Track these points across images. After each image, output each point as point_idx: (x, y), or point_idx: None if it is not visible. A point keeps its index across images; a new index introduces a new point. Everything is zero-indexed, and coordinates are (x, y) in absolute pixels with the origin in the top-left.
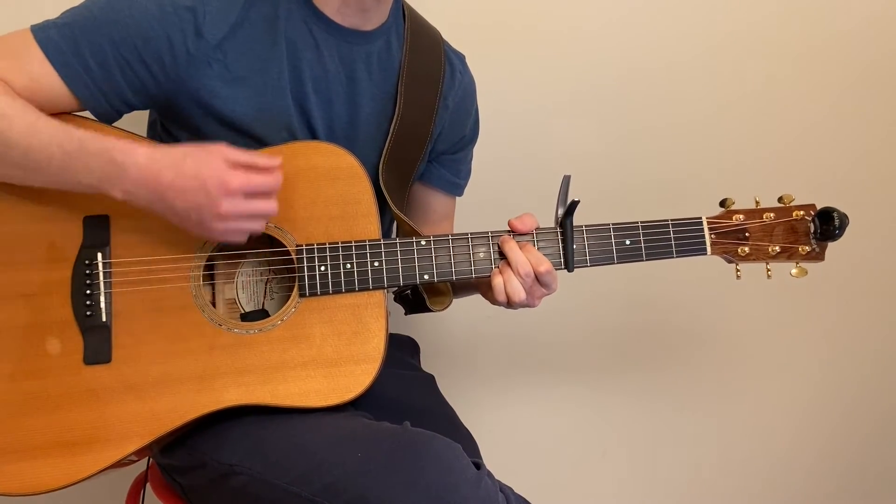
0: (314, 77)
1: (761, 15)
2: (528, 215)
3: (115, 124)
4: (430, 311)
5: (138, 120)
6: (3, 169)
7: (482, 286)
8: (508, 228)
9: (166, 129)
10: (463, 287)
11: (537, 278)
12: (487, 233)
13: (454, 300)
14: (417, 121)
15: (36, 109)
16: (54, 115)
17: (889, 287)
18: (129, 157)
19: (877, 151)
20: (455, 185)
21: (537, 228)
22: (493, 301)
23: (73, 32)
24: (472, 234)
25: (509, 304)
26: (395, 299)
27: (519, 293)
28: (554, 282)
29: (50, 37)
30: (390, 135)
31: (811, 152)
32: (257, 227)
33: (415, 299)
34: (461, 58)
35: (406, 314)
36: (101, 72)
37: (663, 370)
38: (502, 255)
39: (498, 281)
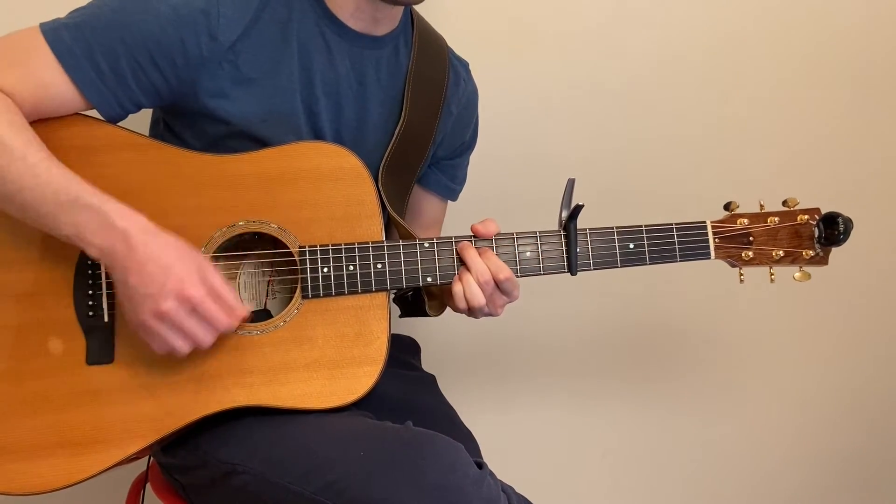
0: (325, 80)
1: (766, 17)
2: (490, 220)
3: (120, 124)
4: (426, 315)
5: (140, 119)
6: None
7: (446, 293)
8: (516, 231)
9: (169, 127)
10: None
11: (497, 286)
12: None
13: (432, 316)
14: (421, 126)
15: (41, 146)
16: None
17: (892, 291)
18: (123, 222)
19: (882, 156)
20: (451, 189)
21: (540, 231)
22: (455, 308)
23: (85, 35)
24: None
25: (470, 311)
26: (394, 300)
27: (478, 299)
28: (515, 289)
29: (61, 39)
30: (394, 139)
31: (816, 156)
32: (182, 346)
33: (414, 302)
34: (465, 65)
35: (401, 316)
36: (114, 76)
37: (664, 372)
38: (462, 262)
39: (458, 288)
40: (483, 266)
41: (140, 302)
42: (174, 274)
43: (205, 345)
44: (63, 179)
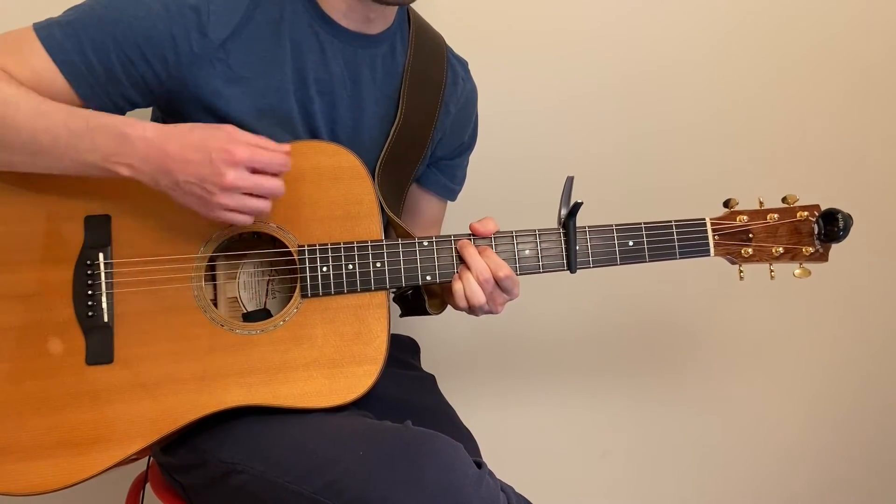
0: (318, 79)
1: (765, 15)
2: (488, 219)
3: None
4: (427, 313)
5: (140, 118)
6: (8, 155)
7: (446, 292)
8: (469, 232)
9: None
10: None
11: (497, 283)
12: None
13: (432, 315)
14: (418, 125)
15: (39, 95)
16: None
17: (892, 287)
18: (136, 129)
19: (881, 152)
20: (450, 189)
21: (539, 230)
22: (456, 307)
23: (77, 31)
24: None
25: (471, 309)
26: (394, 299)
27: (478, 297)
28: (515, 287)
29: (53, 34)
30: (390, 138)
31: (815, 153)
32: (263, 206)
33: (414, 301)
34: (464, 64)
35: (401, 316)
36: (104, 70)
37: (664, 371)
38: (462, 260)
39: (458, 286)
40: (483, 264)
41: (202, 190)
42: (214, 148)
43: (279, 192)
44: (67, 110)
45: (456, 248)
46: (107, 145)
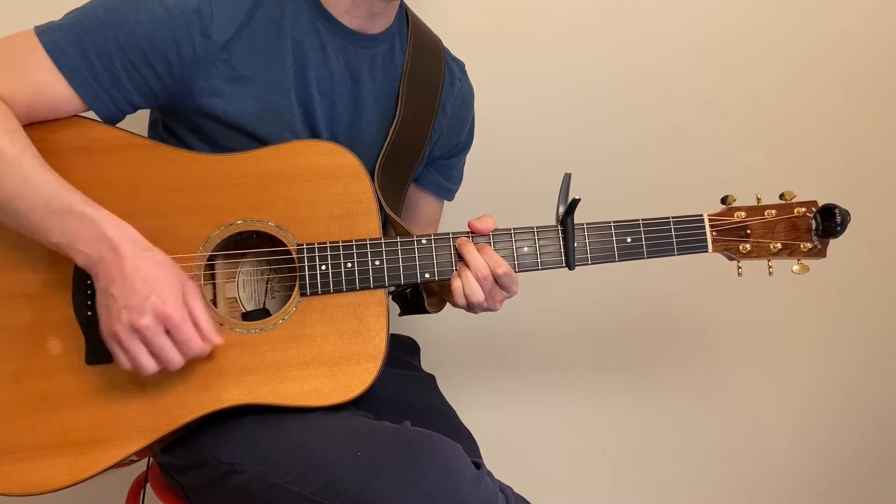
0: (319, 78)
1: (762, 11)
2: (487, 216)
3: (117, 125)
4: (426, 312)
5: (138, 121)
6: None
7: (445, 289)
8: (468, 230)
9: (168, 128)
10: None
11: (496, 281)
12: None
13: (431, 313)
14: (416, 125)
15: (35, 153)
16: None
17: (890, 283)
18: (115, 233)
19: (878, 148)
20: (446, 189)
21: (537, 227)
22: (455, 304)
23: (79, 35)
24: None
25: (469, 306)
26: (393, 298)
27: (477, 295)
28: (514, 284)
29: (56, 40)
30: (389, 137)
31: (813, 149)
32: (148, 365)
33: (413, 299)
34: (461, 66)
35: (401, 315)
36: (108, 75)
37: (664, 369)
38: (460, 258)
39: (457, 284)
40: (481, 262)
41: (117, 312)
42: (157, 291)
43: (173, 367)
44: (56, 187)
45: (455, 245)
46: (77, 233)
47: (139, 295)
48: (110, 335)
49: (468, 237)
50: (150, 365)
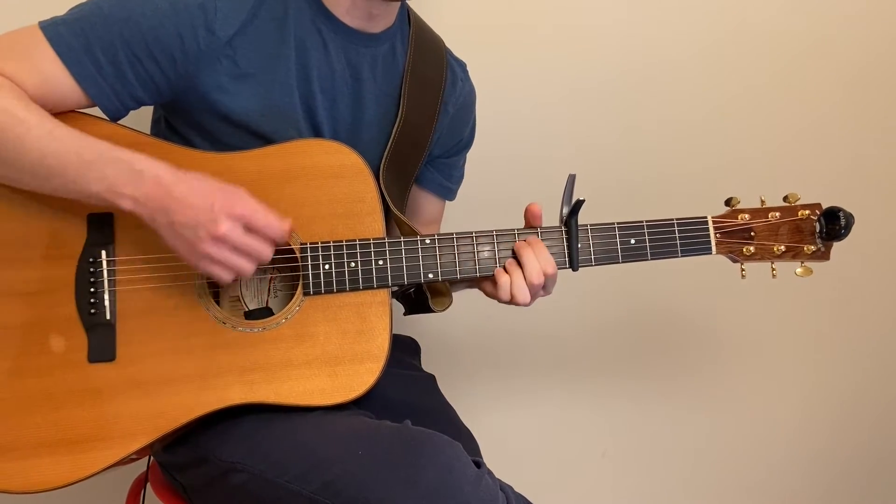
0: (321, 76)
1: (767, 12)
2: (535, 204)
3: (120, 122)
4: (430, 311)
5: (141, 118)
6: (14, 173)
7: (482, 280)
8: (516, 228)
9: (171, 126)
10: (462, 280)
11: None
12: (492, 232)
13: (453, 293)
14: (419, 124)
15: (52, 117)
16: (64, 113)
17: (891, 285)
18: (151, 168)
19: (883, 151)
20: (447, 189)
21: (541, 228)
22: (490, 294)
23: (84, 30)
24: (476, 233)
25: (509, 301)
26: (397, 298)
27: (524, 296)
28: (553, 284)
29: (60, 34)
30: (392, 137)
31: (817, 151)
32: (247, 267)
33: (417, 299)
34: (463, 66)
35: (405, 314)
36: (113, 70)
37: (665, 370)
38: (514, 255)
39: (504, 280)
40: (538, 268)
41: (193, 235)
42: (218, 198)
43: (265, 258)
44: (82, 138)
45: (502, 241)
46: (116, 176)
47: (203, 209)
48: (201, 257)
49: (514, 234)
50: (247, 266)
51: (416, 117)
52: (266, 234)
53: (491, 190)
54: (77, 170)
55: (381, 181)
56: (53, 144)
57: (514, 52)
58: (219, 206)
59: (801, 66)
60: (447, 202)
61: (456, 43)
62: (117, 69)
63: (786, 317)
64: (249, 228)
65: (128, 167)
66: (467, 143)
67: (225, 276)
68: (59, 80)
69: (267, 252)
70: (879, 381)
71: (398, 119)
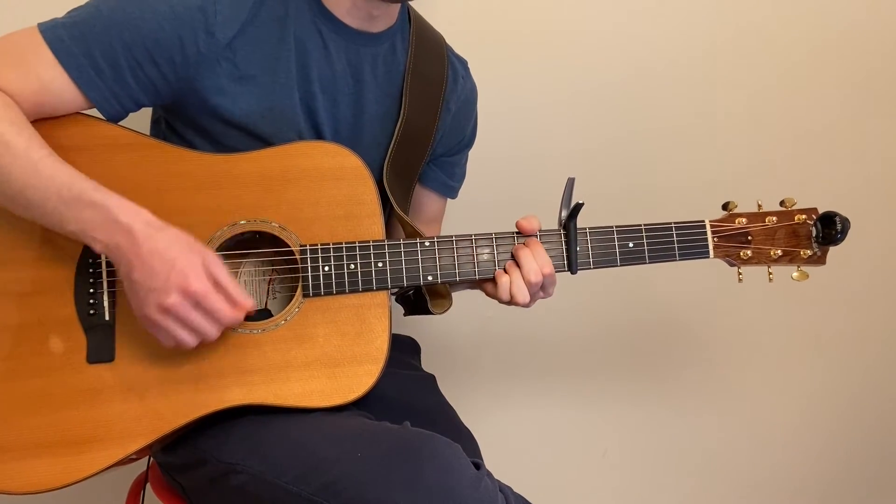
0: (321, 77)
1: (764, 17)
2: (533, 217)
3: (120, 123)
4: (430, 313)
5: (141, 119)
6: None
7: (483, 281)
8: (515, 230)
9: (171, 126)
10: (462, 281)
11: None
12: (491, 234)
13: (453, 294)
14: (421, 123)
15: (42, 143)
16: (65, 115)
17: (890, 288)
18: (127, 217)
19: (879, 156)
20: (449, 187)
21: (540, 230)
22: (491, 295)
23: (84, 34)
24: (475, 235)
25: (509, 302)
26: (397, 300)
27: (524, 296)
28: (553, 286)
29: (60, 38)
30: (395, 136)
31: (814, 156)
32: (188, 339)
33: (416, 301)
34: (464, 63)
35: (405, 315)
36: (113, 73)
37: (664, 371)
38: (513, 257)
39: (504, 280)
40: (536, 267)
41: (145, 296)
42: (178, 268)
43: (210, 337)
44: (66, 176)
45: (502, 244)
46: (91, 220)
47: (160, 276)
48: (143, 319)
49: (522, 243)
50: (189, 339)
51: (418, 116)
52: (215, 317)
53: (490, 191)
54: (55, 206)
55: (385, 181)
56: (36, 178)
57: (514, 53)
58: (174, 277)
59: (799, 71)
60: (448, 200)
61: (456, 43)
62: (117, 72)
63: (786, 318)
64: (200, 306)
65: (104, 214)
66: (469, 140)
67: (165, 341)
68: (59, 84)
69: (211, 332)
70: (880, 381)
71: (400, 118)
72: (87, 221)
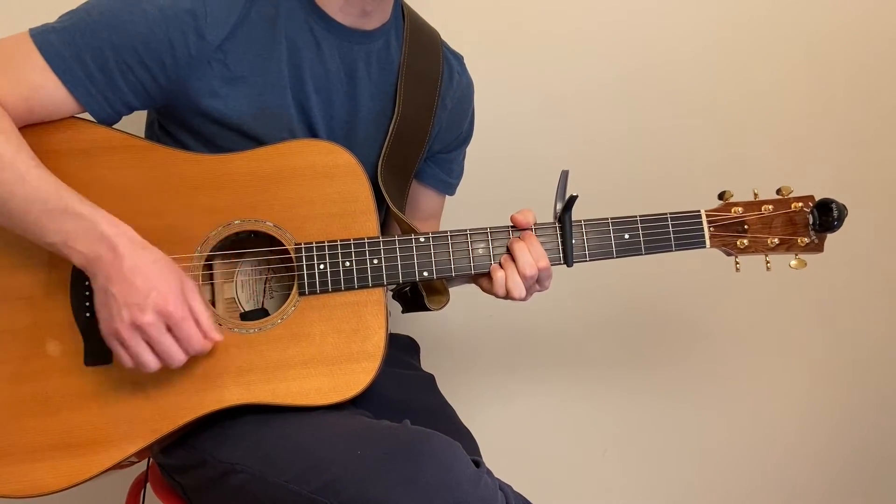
0: (314, 76)
1: (759, 9)
2: (528, 210)
3: (114, 126)
4: (427, 309)
5: (135, 121)
6: None
7: (479, 277)
8: (510, 224)
9: (165, 129)
10: (458, 276)
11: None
12: (486, 229)
13: (451, 293)
14: (416, 120)
15: (30, 154)
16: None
17: (890, 281)
18: (111, 231)
19: (875, 143)
20: (447, 184)
21: (535, 224)
22: (487, 290)
23: (74, 38)
24: (470, 230)
25: (500, 296)
26: (394, 297)
27: (519, 290)
28: (549, 279)
29: (51, 42)
30: (389, 134)
31: (809, 144)
32: (151, 362)
33: (413, 297)
34: (459, 59)
35: (403, 312)
36: (103, 77)
37: (664, 367)
38: (508, 251)
39: (500, 275)
40: (531, 261)
41: (118, 310)
42: (158, 288)
43: (174, 363)
44: (52, 187)
45: (497, 238)
46: (74, 232)
47: (140, 293)
48: (111, 334)
49: (517, 236)
50: (152, 362)
51: (414, 113)
52: (185, 345)
53: (485, 186)
54: (37, 218)
55: (380, 178)
56: (21, 189)
57: (508, 49)
58: (154, 296)
59: (794, 61)
60: (446, 196)
61: (451, 39)
62: (108, 76)
63: (787, 315)
64: (171, 331)
65: (88, 227)
66: (466, 136)
67: (125, 360)
68: (49, 89)
69: (178, 358)
70: (881, 381)
71: (395, 115)
72: (69, 232)
